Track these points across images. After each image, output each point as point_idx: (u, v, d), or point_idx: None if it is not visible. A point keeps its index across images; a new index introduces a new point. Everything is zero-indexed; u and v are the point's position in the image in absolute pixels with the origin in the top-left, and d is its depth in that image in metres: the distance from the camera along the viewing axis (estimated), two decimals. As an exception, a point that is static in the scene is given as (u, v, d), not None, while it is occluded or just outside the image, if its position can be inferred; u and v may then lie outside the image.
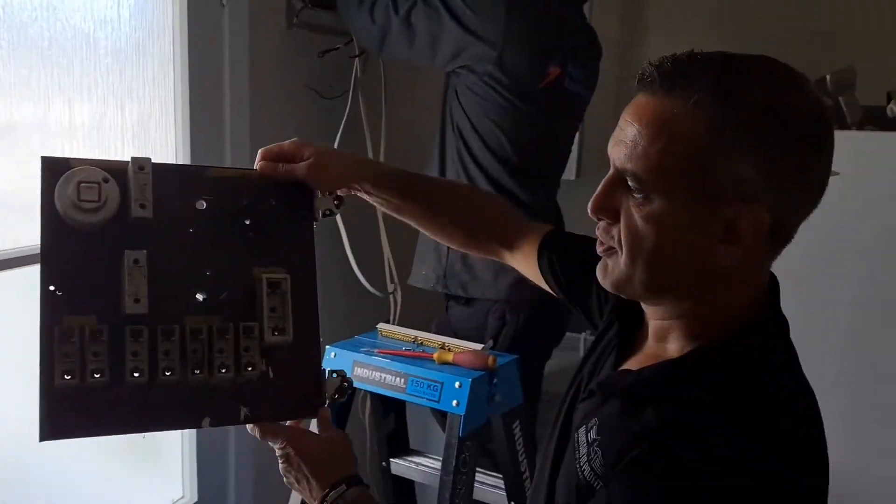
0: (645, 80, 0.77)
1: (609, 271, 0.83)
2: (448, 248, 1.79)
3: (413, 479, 1.80)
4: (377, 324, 1.74)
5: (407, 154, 2.01)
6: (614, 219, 0.81)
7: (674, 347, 0.85)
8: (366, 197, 1.11)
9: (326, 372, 0.97)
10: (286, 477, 0.98)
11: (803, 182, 0.76)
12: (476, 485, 1.59)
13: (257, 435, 0.96)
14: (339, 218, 1.89)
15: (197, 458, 1.83)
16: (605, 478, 0.79)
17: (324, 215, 1.00)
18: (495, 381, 1.52)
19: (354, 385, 1.23)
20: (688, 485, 0.73)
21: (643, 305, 0.89)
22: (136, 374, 0.83)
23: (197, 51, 1.65)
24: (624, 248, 0.80)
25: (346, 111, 1.97)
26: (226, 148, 1.74)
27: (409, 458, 1.79)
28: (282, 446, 0.95)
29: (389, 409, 1.77)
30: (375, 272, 2.05)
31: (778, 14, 2.35)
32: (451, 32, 1.66)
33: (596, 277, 0.99)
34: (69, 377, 0.81)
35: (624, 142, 0.78)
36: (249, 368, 0.89)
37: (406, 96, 2.22)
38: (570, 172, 2.23)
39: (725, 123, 0.73)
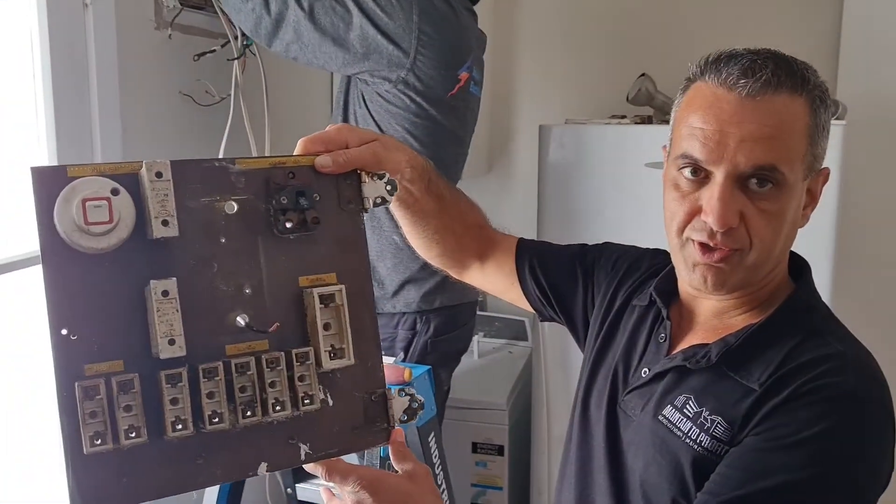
0: (747, 84, 0.84)
1: (731, 272, 0.88)
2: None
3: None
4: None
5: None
6: (738, 223, 0.86)
7: (738, 320, 0.92)
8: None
9: (394, 391, 0.83)
10: None
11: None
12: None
13: (323, 476, 0.80)
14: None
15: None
16: (731, 440, 0.85)
17: (375, 204, 0.83)
18: (412, 394, 1.47)
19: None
20: (856, 402, 0.83)
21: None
22: (178, 427, 0.69)
23: (60, 55, 1.48)
24: (758, 244, 0.86)
25: (230, 116, 1.84)
26: (97, 159, 1.58)
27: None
28: (355, 491, 0.80)
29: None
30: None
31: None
32: (362, 31, 1.56)
33: (581, 277, 1.12)
34: (100, 442, 0.66)
35: (747, 142, 0.83)
36: (307, 402, 0.75)
37: (288, 98, 2.11)
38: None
39: (817, 107, 0.87)
